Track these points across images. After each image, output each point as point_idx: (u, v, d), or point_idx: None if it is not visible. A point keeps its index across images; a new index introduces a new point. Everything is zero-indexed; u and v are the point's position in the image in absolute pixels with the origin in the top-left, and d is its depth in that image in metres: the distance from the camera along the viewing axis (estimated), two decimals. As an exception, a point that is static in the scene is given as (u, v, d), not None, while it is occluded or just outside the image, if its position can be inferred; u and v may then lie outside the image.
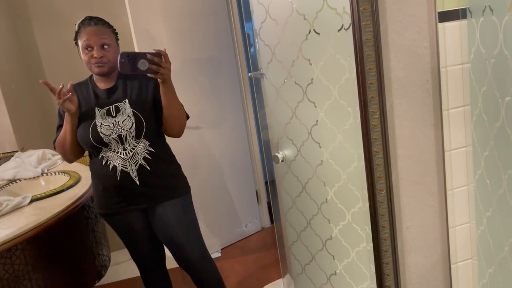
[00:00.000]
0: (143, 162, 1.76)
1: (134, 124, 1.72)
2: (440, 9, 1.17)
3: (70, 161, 1.86)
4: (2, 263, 1.57)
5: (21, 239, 1.56)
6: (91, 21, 1.74)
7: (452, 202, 1.31)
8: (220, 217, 3.19)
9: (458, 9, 1.18)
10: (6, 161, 2.36)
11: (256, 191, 3.45)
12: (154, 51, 1.58)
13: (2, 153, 2.54)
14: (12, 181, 2.18)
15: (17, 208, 1.76)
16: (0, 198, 1.80)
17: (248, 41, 3.13)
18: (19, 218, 1.67)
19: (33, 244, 1.68)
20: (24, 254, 1.65)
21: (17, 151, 2.50)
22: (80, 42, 1.73)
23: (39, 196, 1.86)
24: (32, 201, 1.82)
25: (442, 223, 1.33)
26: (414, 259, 1.36)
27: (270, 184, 2.25)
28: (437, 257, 1.37)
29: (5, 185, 2.13)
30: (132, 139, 1.73)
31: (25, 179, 2.21)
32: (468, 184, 1.30)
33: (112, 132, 1.71)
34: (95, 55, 1.70)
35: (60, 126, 1.81)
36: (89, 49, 1.70)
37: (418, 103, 1.23)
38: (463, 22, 1.18)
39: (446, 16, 1.18)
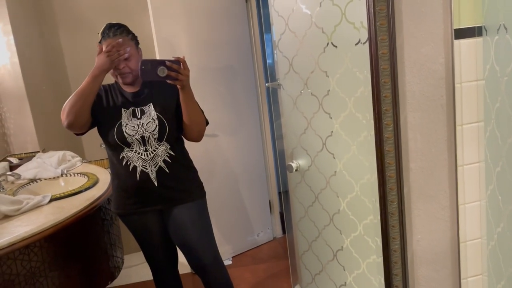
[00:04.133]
0: (162, 165, 1.80)
1: (157, 127, 1.77)
2: (456, 26, 1.19)
3: (70, 121, 1.73)
4: (20, 259, 1.61)
5: (39, 237, 1.60)
6: (110, 32, 1.77)
7: (464, 217, 1.32)
8: (233, 224, 3.20)
9: (474, 27, 1.20)
10: (28, 161, 2.42)
11: (269, 201, 3.46)
12: (173, 58, 1.63)
13: (24, 153, 2.60)
14: (32, 180, 2.24)
15: (36, 206, 1.81)
16: (20, 196, 1.85)
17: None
18: (38, 217, 1.71)
19: (51, 242, 1.72)
20: (42, 251, 1.68)
21: (38, 151, 2.56)
22: None
23: (58, 196, 1.90)
24: (51, 200, 1.86)
25: (453, 237, 1.34)
26: (424, 272, 1.36)
27: (283, 195, 2.26)
28: (448, 271, 1.37)
29: (26, 184, 2.19)
30: (154, 141, 1.78)
31: (45, 179, 2.27)
32: (481, 200, 1.31)
33: (136, 133, 1.76)
34: (117, 67, 1.75)
35: None
36: None
37: (432, 118, 1.25)
38: (479, 39, 1.20)
39: (462, 33, 1.20)
